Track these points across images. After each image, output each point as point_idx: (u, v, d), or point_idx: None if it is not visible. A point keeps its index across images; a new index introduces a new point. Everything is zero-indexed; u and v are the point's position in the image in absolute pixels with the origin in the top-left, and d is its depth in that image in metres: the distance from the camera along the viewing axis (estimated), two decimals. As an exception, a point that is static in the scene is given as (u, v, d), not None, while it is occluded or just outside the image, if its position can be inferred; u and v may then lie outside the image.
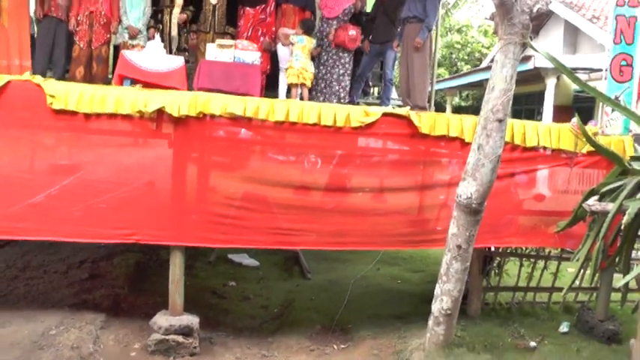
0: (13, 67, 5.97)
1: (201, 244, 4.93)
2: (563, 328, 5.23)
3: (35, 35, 6.57)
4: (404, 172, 5.01)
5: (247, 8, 7.03)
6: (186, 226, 4.63)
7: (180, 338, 4.61)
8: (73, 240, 4.86)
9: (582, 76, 11.02)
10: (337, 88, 6.81)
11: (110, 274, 6.08)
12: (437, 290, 4.42)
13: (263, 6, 7.06)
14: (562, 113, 12.21)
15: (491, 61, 4.65)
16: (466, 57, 21.83)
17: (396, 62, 7.80)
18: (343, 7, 6.95)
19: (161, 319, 4.65)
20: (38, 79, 4.56)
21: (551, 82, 12.89)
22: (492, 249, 5.61)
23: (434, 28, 6.87)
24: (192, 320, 4.69)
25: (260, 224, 4.72)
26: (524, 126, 5.09)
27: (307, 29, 6.64)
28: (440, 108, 17.22)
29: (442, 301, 4.36)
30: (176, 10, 6.71)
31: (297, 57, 6.42)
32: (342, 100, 6.76)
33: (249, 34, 6.91)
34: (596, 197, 4.59)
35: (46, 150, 4.66)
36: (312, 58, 6.72)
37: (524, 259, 5.85)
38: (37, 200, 4.45)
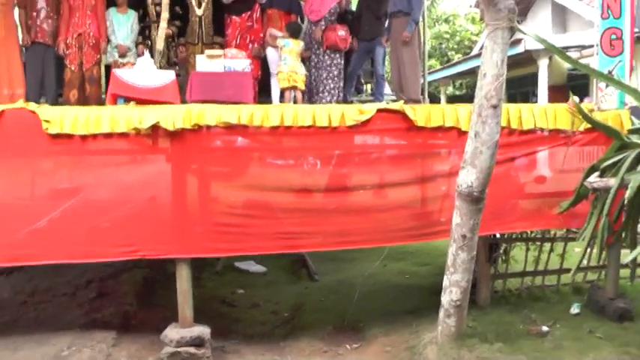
0: (4, 96, 6.00)
1: (206, 254, 4.95)
2: (575, 309, 5.20)
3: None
4: (403, 166, 5.01)
5: (234, 17, 7.03)
6: (190, 238, 4.64)
7: (192, 349, 4.59)
8: (78, 261, 4.87)
9: (574, 54, 11.02)
10: (332, 89, 6.80)
11: (118, 292, 6.07)
12: (445, 282, 4.41)
13: (249, 13, 7.05)
14: (557, 93, 12.20)
15: (482, 48, 4.63)
16: (456, 46, 21.82)
17: (387, 57, 7.80)
18: (328, 8, 6.95)
19: (172, 332, 4.64)
20: (32, 105, 4.58)
21: (543, 63, 12.89)
22: (497, 236, 5.59)
23: (420, 20, 6.86)
24: (203, 331, 4.68)
25: (264, 230, 4.72)
26: (519, 109, 5.08)
27: (294, 32, 6.65)
28: (434, 99, 17.20)
29: (451, 293, 4.35)
30: (162, 25, 6.69)
31: (285, 61, 6.42)
32: (336, 100, 6.75)
33: (238, 42, 6.91)
34: (597, 174, 4.56)
35: (46, 175, 4.70)
36: (303, 61, 6.72)
37: (530, 243, 5.83)
38: (40, 225, 4.47)
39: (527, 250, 5.77)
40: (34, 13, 6.43)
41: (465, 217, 4.21)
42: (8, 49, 6.23)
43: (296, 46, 6.51)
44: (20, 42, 6.40)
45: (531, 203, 5.19)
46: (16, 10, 6.44)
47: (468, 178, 4.17)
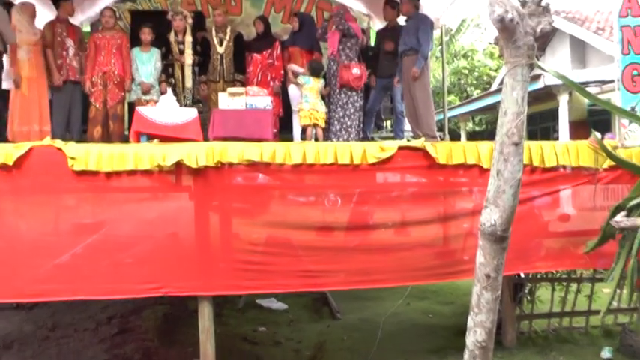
0: (33, 132, 6.16)
1: (228, 291, 4.93)
2: (606, 353, 5.06)
3: (52, 100, 6.72)
4: (425, 204, 4.99)
5: (254, 54, 7.19)
6: (212, 275, 4.64)
7: (214, 387, 4.57)
8: (101, 298, 4.90)
9: (594, 90, 10.98)
10: (350, 126, 6.82)
11: (140, 328, 6.08)
12: (470, 322, 4.32)
13: (269, 51, 7.22)
14: (578, 128, 12.16)
15: (501, 83, 4.65)
16: (475, 81, 21.89)
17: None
18: (335, 44, 6.98)
19: (194, 370, 4.62)
20: (59, 143, 4.65)
21: (563, 99, 12.87)
22: (522, 275, 5.51)
23: (439, 55, 6.93)
24: (225, 369, 4.66)
25: (286, 267, 4.70)
26: (541, 147, 5.06)
27: (314, 70, 6.72)
28: (454, 135, 17.21)
29: (476, 333, 4.26)
30: (188, 62, 6.84)
31: (306, 98, 6.50)
32: (356, 137, 6.78)
33: (259, 79, 7.04)
34: (623, 213, 4.50)
35: (69, 210, 4.75)
36: (323, 98, 6.78)
37: (555, 283, 5.73)
38: (62, 260, 4.50)
39: (554, 290, 5.67)
40: (64, 52, 6.63)
41: (488, 256, 4.15)
42: (40, 87, 6.44)
43: (316, 83, 6.59)
44: (52, 81, 6.56)
45: (556, 242, 5.13)
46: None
47: (491, 216, 4.13)
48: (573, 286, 5.72)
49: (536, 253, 5.06)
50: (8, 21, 6.46)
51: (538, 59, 4.12)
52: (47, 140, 4.78)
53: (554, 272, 5.68)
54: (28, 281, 4.47)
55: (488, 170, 4.41)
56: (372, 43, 8.54)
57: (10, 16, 6.53)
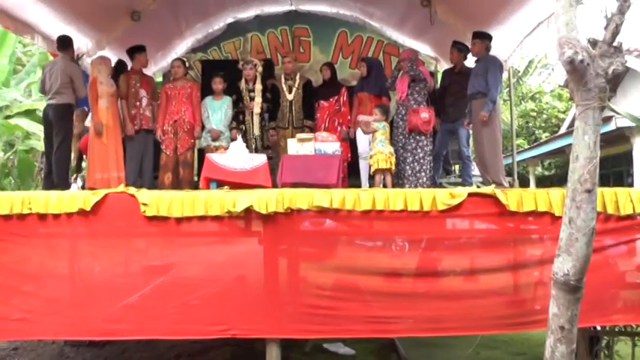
0: (112, 179, 6.46)
1: (296, 335, 4.93)
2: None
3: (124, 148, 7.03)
4: (495, 251, 4.91)
5: (322, 101, 7.34)
6: (280, 319, 4.69)
7: None
8: (169, 338, 5.01)
9: (670, 132, 10.62)
10: (420, 171, 6.80)
11: (207, 368, 6.15)
12: (544, 375, 4.20)
13: (336, 97, 7.38)
14: (654, 173, 11.72)
15: (570, 126, 4.57)
16: (543, 124, 21.47)
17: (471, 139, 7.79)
18: (405, 89, 7.00)
19: (261, 414, 4.65)
20: (132, 189, 4.89)
21: (637, 141, 12.46)
22: (598, 328, 5.30)
23: (508, 98, 6.89)
24: (292, 414, 4.66)
25: (353, 313, 4.71)
26: (615, 193, 4.91)
27: (383, 114, 6.76)
28: (523, 180, 16.85)
29: (550, 387, 4.13)
30: (256, 110, 7.04)
31: (382, 143, 6.48)
32: (425, 183, 6.75)
33: (327, 125, 7.19)
34: None
35: (140, 253, 4.97)
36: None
37: (636, 337, 5.46)
38: (133, 301, 4.68)
39: (634, 345, 5.40)
40: (137, 102, 6.96)
41: (562, 307, 4.04)
42: (116, 136, 6.77)
43: (387, 127, 6.62)
44: (125, 131, 6.90)
45: (634, 294, 4.91)
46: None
47: (563, 265, 4.03)
48: (656, 342, 5.43)
49: (612, 304, 4.87)
50: (80, 75, 6.89)
51: (609, 100, 4.02)
52: (121, 187, 5.04)
53: (634, 326, 5.41)
54: (100, 320, 4.67)
55: (559, 218, 4.34)
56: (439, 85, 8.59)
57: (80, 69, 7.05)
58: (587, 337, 5.09)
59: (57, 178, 6.61)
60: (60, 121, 6.69)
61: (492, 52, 7.17)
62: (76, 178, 7.37)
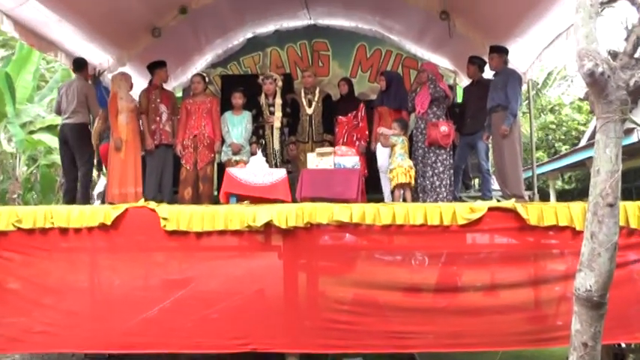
0: (129, 194, 6.50)
1: (314, 350, 4.92)
2: None
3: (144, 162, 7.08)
4: (515, 265, 4.88)
5: (340, 117, 7.34)
6: (299, 333, 4.71)
7: None
8: (189, 351, 5.01)
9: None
10: (439, 186, 6.75)
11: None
12: (566, 393, 4.13)
13: (354, 112, 7.34)
14: (678, 186, 11.52)
15: (590, 138, 4.52)
16: (563, 137, 21.20)
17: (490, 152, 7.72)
18: (427, 103, 6.96)
19: None
20: (152, 204, 4.94)
21: (660, 154, 12.28)
22: (623, 345, 5.21)
23: (527, 111, 6.83)
24: None
25: (373, 328, 4.71)
26: (638, 207, 4.87)
27: (402, 128, 6.74)
28: (543, 193, 16.65)
29: (573, 405, 4.06)
30: (276, 125, 7.06)
31: (401, 156, 6.43)
32: (445, 197, 6.70)
33: (345, 140, 7.15)
34: None
35: (159, 267, 5.02)
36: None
37: (662, 355, 5.37)
38: (152, 314, 4.73)
39: (660, 363, 5.31)
40: (157, 118, 6.97)
41: (585, 323, 3.98)
42: (135, 151, 6.82)
43: (406, 142, 6.60)
44: (145, 146, 6.95)
45: (660, 310, 4.85)
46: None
47: (585, 281, 3.97)
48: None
49: (637, 321, 4.78)
50: (94, 95, 7.04)
51: (631, 112, 3.96)
52: (141, 201, 5.08)
53: (661, 343, 5.31)
54: (119, 334, 4.74)
55: (581, 232, 4.28)
56: (459, 99, 8.54)
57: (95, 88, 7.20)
58: (611, 354, 5.02)
59: (81, 196, 6.78)
60: (79, 141, 6.83)
61: (511, 65, 7.15)
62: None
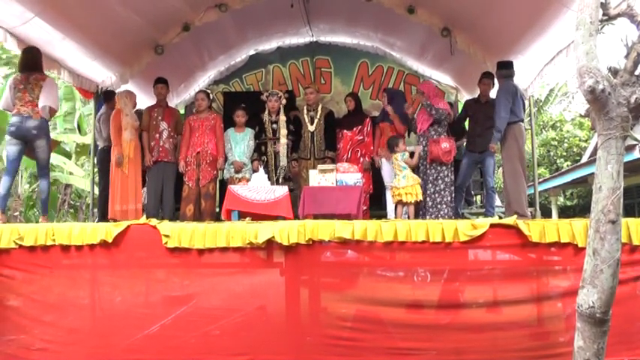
0: (130, 211, 6.55)
1: (317, 366, 4.92)
2: None
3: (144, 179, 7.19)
4: (517, 282, 4.85)
5: (345, 131, 7.34)
6: (301, 349, 4.68)
7: None
8: (190, 368, 4.99)
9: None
10: (441, 202, 6.76)
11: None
12: (571, 411, 4.10)
13: (360, 127, 7.34)
14: (680, 202, 11.50)
15: (592, 155, 4.52)
16: (564, 153, 21.20)
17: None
18: (427, 125, 7.01)
19: None
20: (154, 221, 4.95)
21: (662, 171, 12.28)
22: (628, 362, 5.18)
23: (522, 128, 6.85)
24: None
25: (375, 344, 4.67)
26: (640, 224, 4.86)
27: (391, 147, 6.76)
28: (545, 210, 16.62)
29: (578, 423, 4.03)
30: (283, 141, 7.06)
31: (405, 178, 6.49)
32: (447, 214, 6.71)
33: (349, 156, 7.16)
34: None
35: (161, 283, 5.02)
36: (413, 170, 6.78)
37: (667, 372, 5.32)
38: (153, 331, 4.72)
39: (665, 380, 5.26)
40: (157, 135, 7.05)
41: (588, 340, 3.96)
42: (136, 167, 6.88)
43: (407, 155, 6.59)
44: (145, 162, 7.02)
45: (664, 327, 4.82)
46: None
47: (588, 298, 3.96)
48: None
49: (640, 337, 4.77)
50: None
51: (632, 129, 3.97)
52: (143, 218, 5.09)
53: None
54: (121, 350, 4.71)
55: (583, 249, 4.28)
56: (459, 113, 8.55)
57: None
58: (615, 371, 4.97)
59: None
60: (107, 164, 7.04)
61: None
62: None
